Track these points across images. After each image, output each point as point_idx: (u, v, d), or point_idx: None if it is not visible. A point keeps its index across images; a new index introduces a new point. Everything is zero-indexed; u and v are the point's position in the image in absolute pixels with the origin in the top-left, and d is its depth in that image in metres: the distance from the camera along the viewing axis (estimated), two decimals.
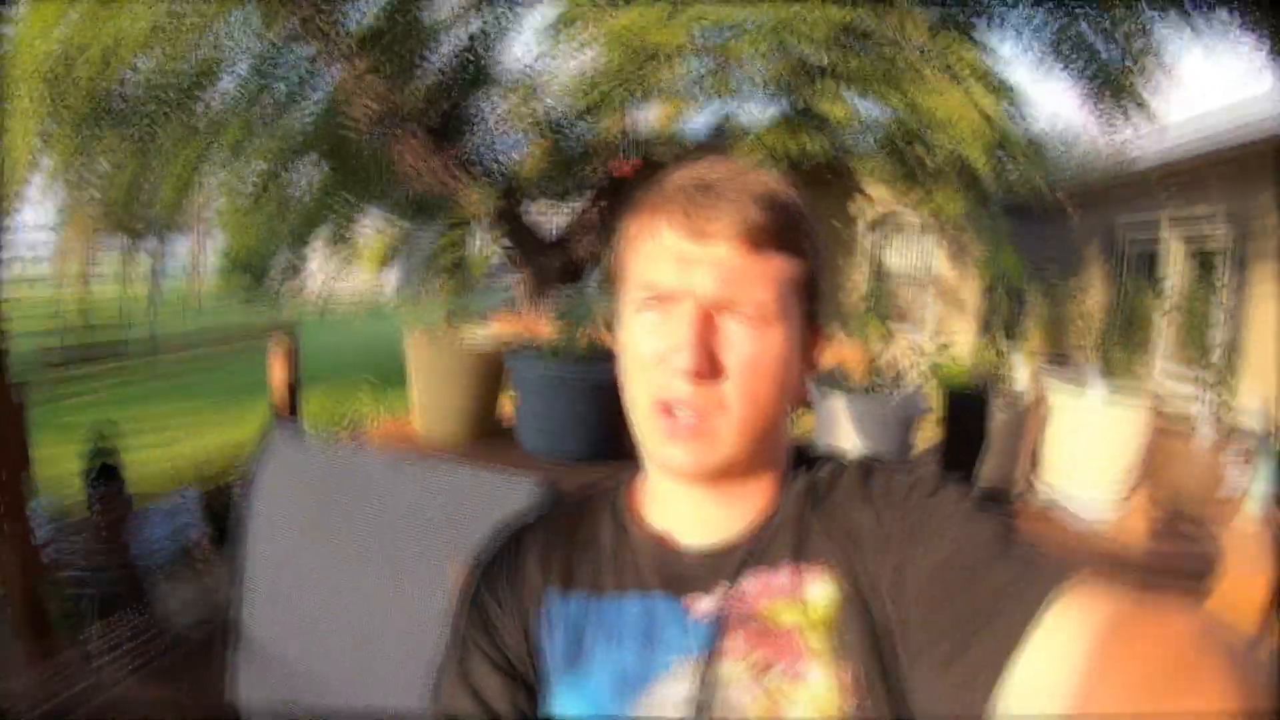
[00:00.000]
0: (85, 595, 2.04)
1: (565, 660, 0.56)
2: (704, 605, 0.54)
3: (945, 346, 2.48)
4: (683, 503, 0.58)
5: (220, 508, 2.39)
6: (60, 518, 2.37)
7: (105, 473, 2.61)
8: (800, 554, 0.54)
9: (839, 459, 0.60)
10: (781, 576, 0.53)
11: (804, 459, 0.60)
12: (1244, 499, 2.00)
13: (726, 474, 0.55)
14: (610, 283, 0.61)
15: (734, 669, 0.51)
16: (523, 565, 0.61)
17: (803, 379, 0.57)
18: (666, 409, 0.52)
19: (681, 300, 0.52)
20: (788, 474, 0.59)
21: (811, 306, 0.56)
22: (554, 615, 0.58)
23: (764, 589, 0.53)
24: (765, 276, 0.52)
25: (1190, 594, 1.59)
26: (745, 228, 0.51)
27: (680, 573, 0.56)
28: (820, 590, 0.52)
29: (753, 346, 0.52)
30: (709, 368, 0.51)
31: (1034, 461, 2.19)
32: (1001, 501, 2.07)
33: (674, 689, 0.52)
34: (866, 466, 0.58)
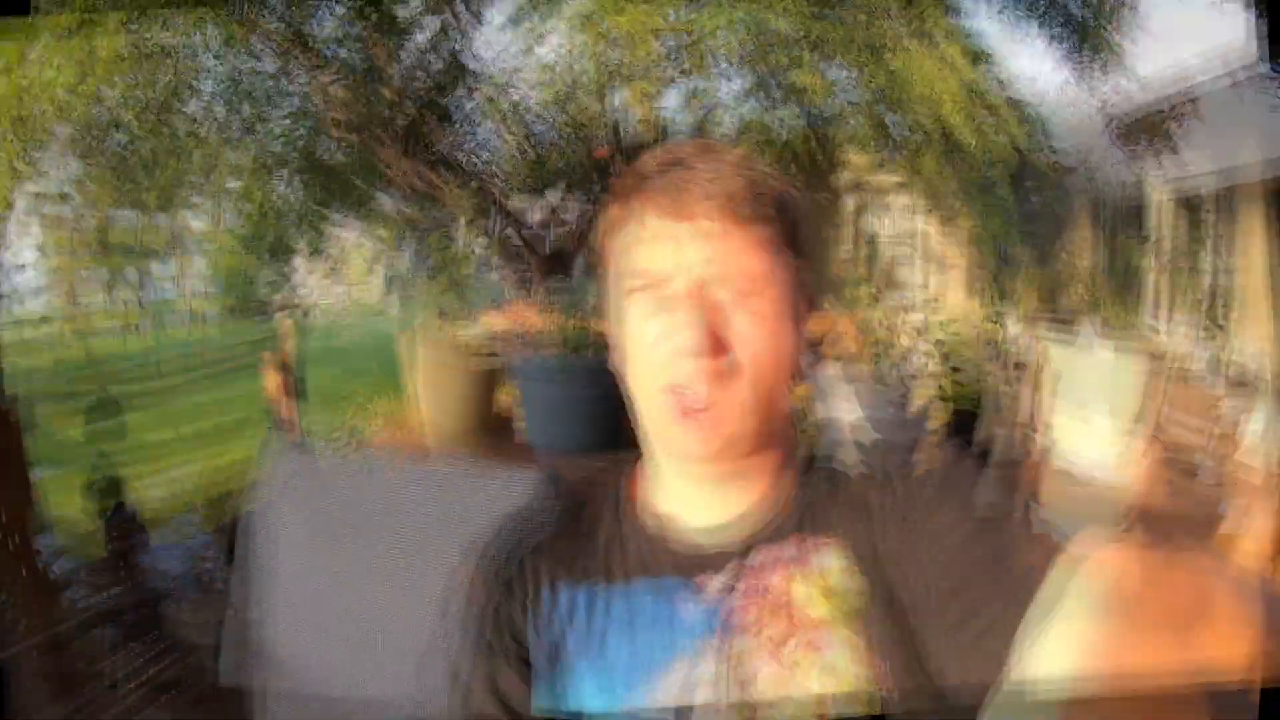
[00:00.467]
0: (101, 624, 2.04)
1: (584, 650, 0.56)
2: (716, 584, 0.54)
3: (944, 323, 2.48)
4: (690, 484, 0.58)
5: (229, 526, 2.39)
6: (72, 549, 2.37)
7: (116, 504, 2.60)
8: (809, 526, 0.54)
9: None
10: (791, 549, 0.54)
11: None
12: (1244, 443, 2.02)
13: (733, 450, 0.55)
14: (597, 272, 0.60)
15: (751, 645, 0.52)
16: (532, 560, 0.61)
17: (798, 351, 0.57)
18: (676, 391, 0.52)
19: (673, 281, 0.52)
20: (791, 449, 0.59)
21: (801, 277, 0.56)
22: (568, 607, 0.58)
23: (775, 563, 0.54)
24: (752, 249, 0.52)
25: (1198, 538, 1.61)
26: (727, 202, 0.51)
27: (690, 553, 0.56)
28: (831, 560, 0.53)
29: (749, 319, 0.52)
30: (712, 345, 0.51)
31: (1036, 420, 2.21)
32: (1008, 463, 2.09)
33: (693, 669, 0.52)
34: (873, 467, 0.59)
